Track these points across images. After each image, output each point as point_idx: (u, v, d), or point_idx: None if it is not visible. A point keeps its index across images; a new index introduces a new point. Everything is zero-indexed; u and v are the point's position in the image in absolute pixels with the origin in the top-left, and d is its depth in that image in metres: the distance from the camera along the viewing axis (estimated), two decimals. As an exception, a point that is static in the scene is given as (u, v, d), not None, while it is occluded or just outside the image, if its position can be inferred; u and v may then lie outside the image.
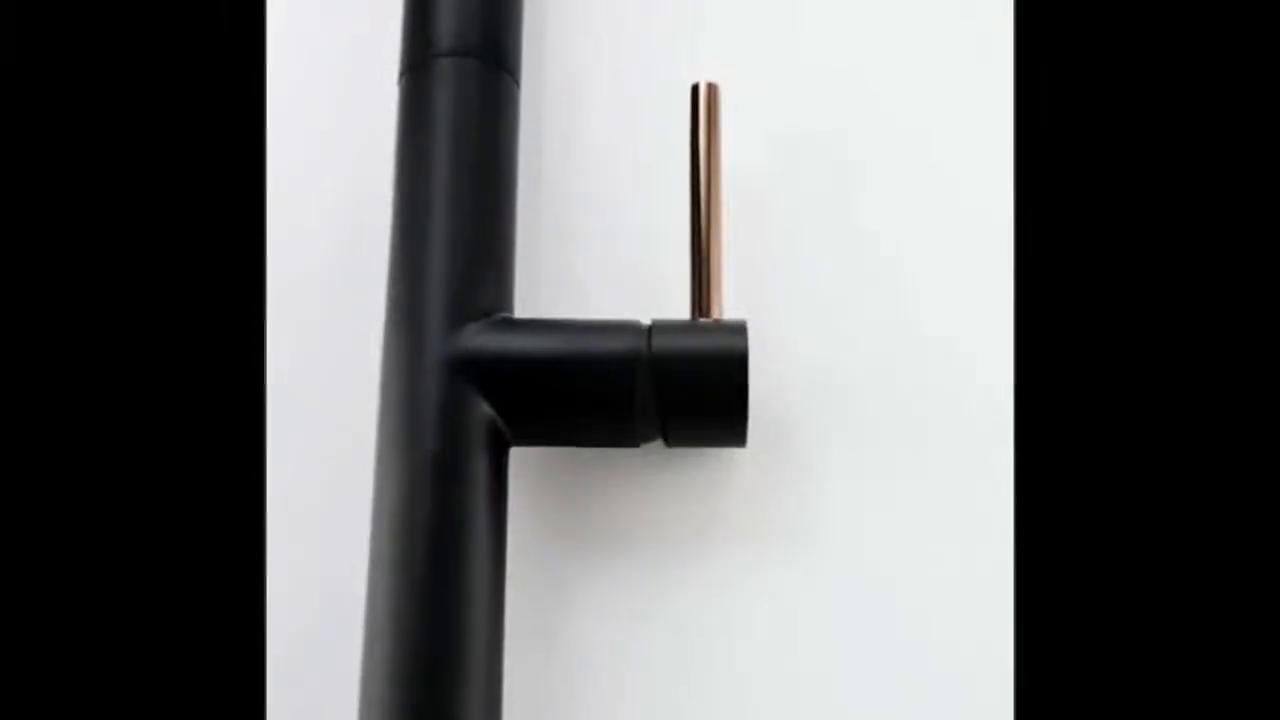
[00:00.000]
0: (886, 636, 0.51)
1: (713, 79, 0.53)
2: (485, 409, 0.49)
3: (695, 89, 0.53)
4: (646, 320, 0.51)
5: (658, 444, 0.52)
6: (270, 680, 0.49)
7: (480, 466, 0.48)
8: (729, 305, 0.54)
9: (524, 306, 0.54)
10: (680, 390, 0.49)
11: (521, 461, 0.52)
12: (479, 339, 0.50)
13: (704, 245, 0.52)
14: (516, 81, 0.55)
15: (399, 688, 0.45)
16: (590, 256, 0.57)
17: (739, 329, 0.50)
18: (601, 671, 0.51)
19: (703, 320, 0.51)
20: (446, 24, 0.54)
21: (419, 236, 0.51)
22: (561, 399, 0.50)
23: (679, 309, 0.53)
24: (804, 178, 0.57)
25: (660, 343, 0.50)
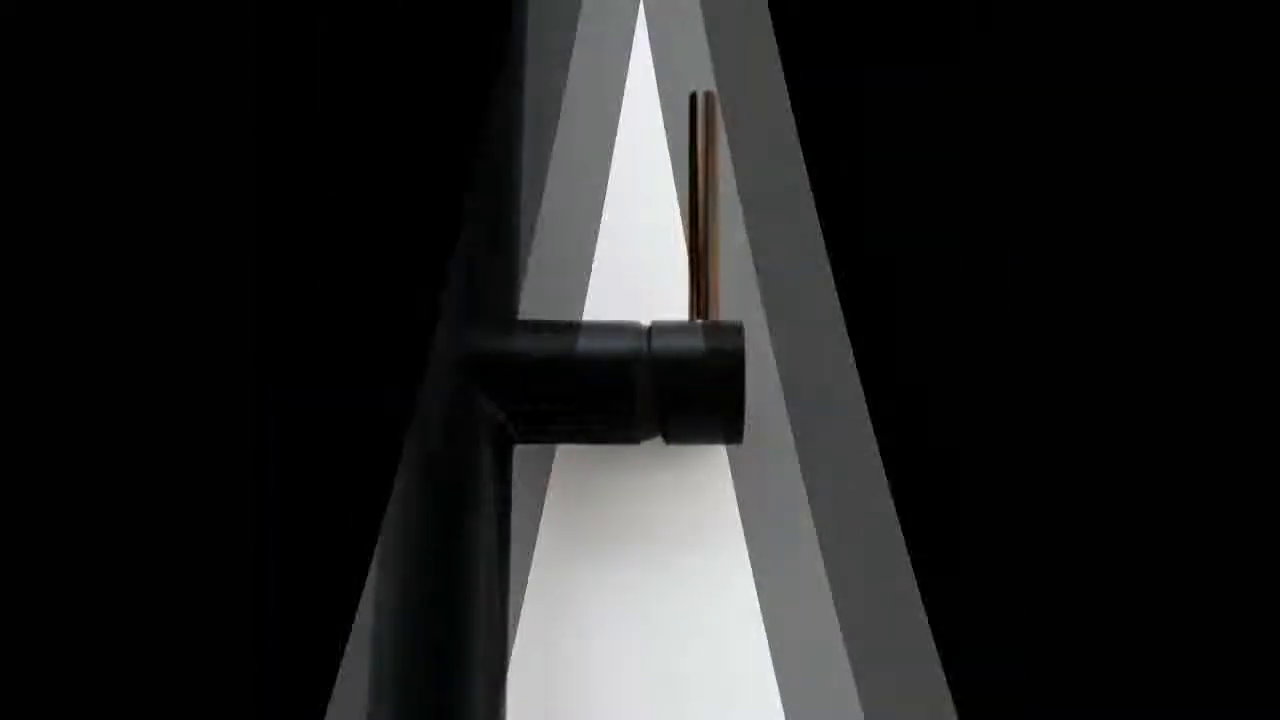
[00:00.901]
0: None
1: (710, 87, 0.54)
2: (491, 409, 0.50)
3: (693, 97, 0.54)
4: (646, 321, 0.52)
5: (657, 441, 0.53)
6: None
7: (486, 464, 0.49)
8: (726, 306, 0.55)
9: (528, 308, 0.55)
10: (679, 389, 0.50)
11: (522, 458, 0.53)
12: (485, 341, 0.51)
13: (702, 249, 0.53)
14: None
15: (405, 684, 0.46)
16: (593, 261, 0.58)
17: (735, 329, 0.51)
18: (602, 667, 0.52)
19: (700, 321, 0.52)
20: (452, 35, 0.55)
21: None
22: (565, 398, 0.51)
23: (678, 310, 0.54)
24: (800, 180, 0.58)
25: (660, 343, 0.51)
